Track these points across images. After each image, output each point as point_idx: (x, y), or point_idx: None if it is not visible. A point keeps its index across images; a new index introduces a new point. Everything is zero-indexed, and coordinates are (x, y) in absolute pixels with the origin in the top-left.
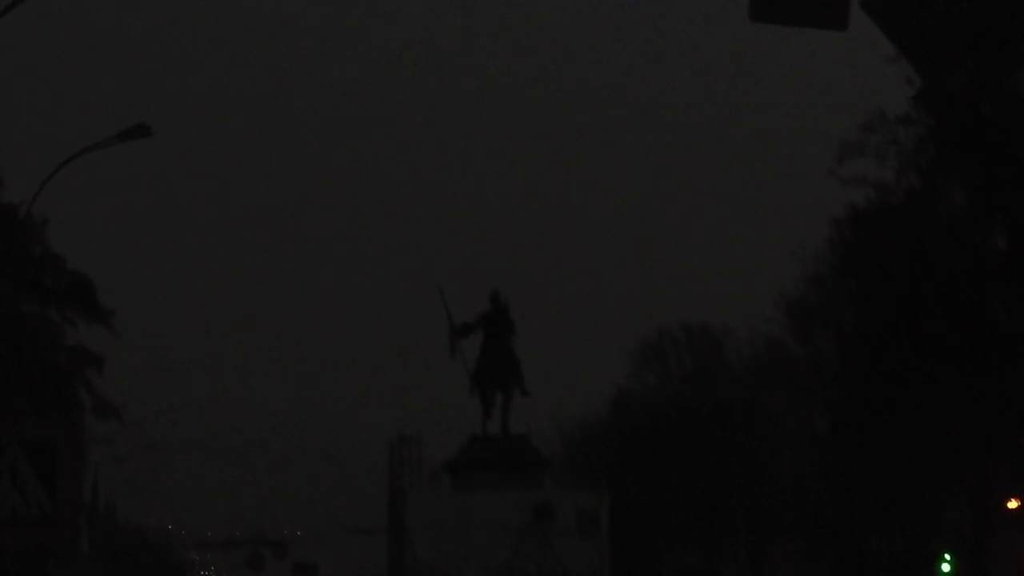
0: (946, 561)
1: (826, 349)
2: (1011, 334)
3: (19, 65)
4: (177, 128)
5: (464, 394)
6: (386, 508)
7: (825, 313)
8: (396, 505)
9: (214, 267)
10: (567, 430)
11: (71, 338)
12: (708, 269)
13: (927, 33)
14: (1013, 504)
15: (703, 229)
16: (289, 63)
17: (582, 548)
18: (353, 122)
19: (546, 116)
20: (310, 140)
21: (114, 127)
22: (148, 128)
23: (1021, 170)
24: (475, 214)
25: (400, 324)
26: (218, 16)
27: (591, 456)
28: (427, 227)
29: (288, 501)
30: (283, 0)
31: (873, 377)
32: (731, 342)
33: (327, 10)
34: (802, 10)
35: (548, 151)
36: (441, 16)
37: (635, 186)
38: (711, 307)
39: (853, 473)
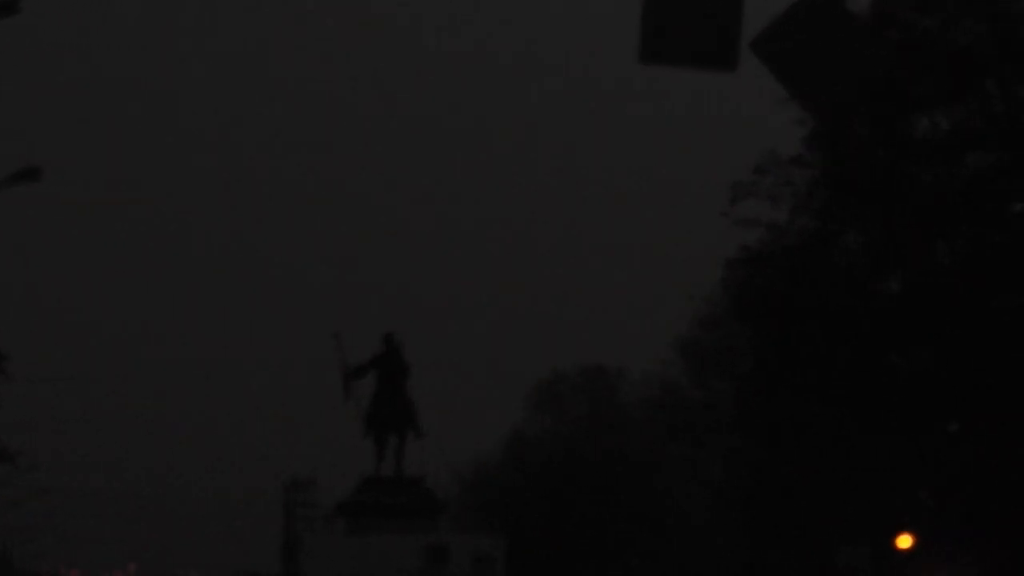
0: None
1: (721, 392)
2: (907, 380)
3: None
4: (69, 168)
5: (358, 436)
6: (280, 553)
7: (720, 356)
8: (290, 550)
9: (107, 311)
10: (462, 473)
11: None
12: (603, 310)
13: (818, 78)
14: (905, 542)
15: (597, 269)
16: (177, 101)
17: None
18: (243, 158)
19: (437, 151)
20: (206, 178)
21: (3, 169)
22: (38, 171)
23: (916, 215)
24: (368, 254)
25: (292, 366)
26: (106, 54)
27: (486, 499)
28: (319, 266)
29: (182, 546)
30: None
31: (768, 423)
32: (626, 384)
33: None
34: (691, 52)
35: (438, 189)
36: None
37: (528, 226)
38: (607, 349)
39: (749, 519)
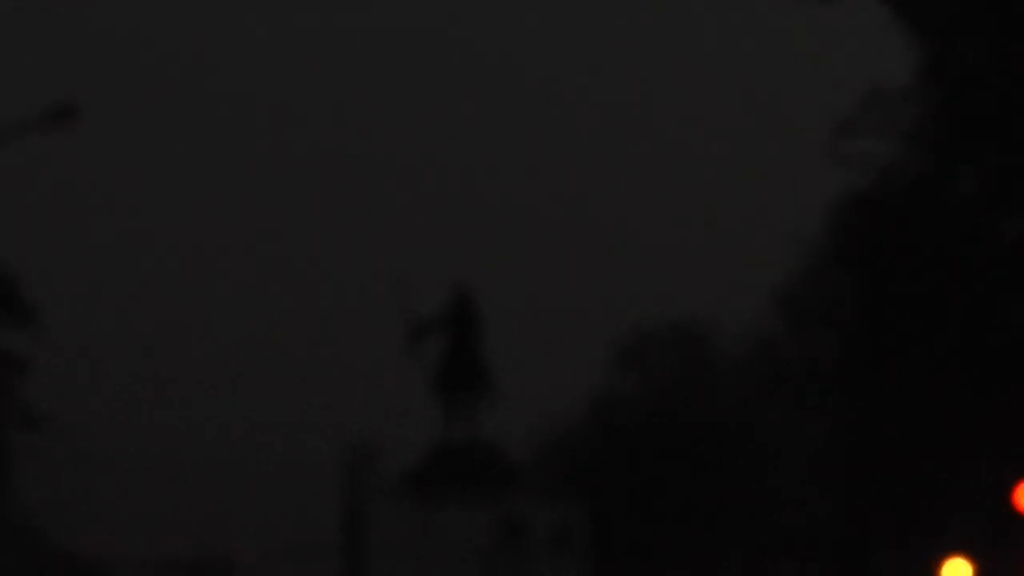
0: (959, 565)
1: (824, 347)
2: None
3: None
4: (108, 108)
5: (426, 398)
6: (340, 526)
7: (822, 309)
8: (351, 523)
9: (151, 263)
10: (540, 438)
11: None
12: (694, 260)
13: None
14: None
15: (688, 216)
16: (221, 40)
17: (559, 569)
18: (300, 100)
19: (515, 96)
20: (254, 127)
21: (37, 107)
22: (75, 109)
23: None
24: (437, 198)
25: (354, 321)
26: None
27: (567, 467)
28: (383, 211)
29: (235, 520)
30: None
31: (875, 381)
32: (720, 340)
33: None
34: None
35: (515, 131)
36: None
37: (612, 170)
38: (697, 302)
39: (853, 487)
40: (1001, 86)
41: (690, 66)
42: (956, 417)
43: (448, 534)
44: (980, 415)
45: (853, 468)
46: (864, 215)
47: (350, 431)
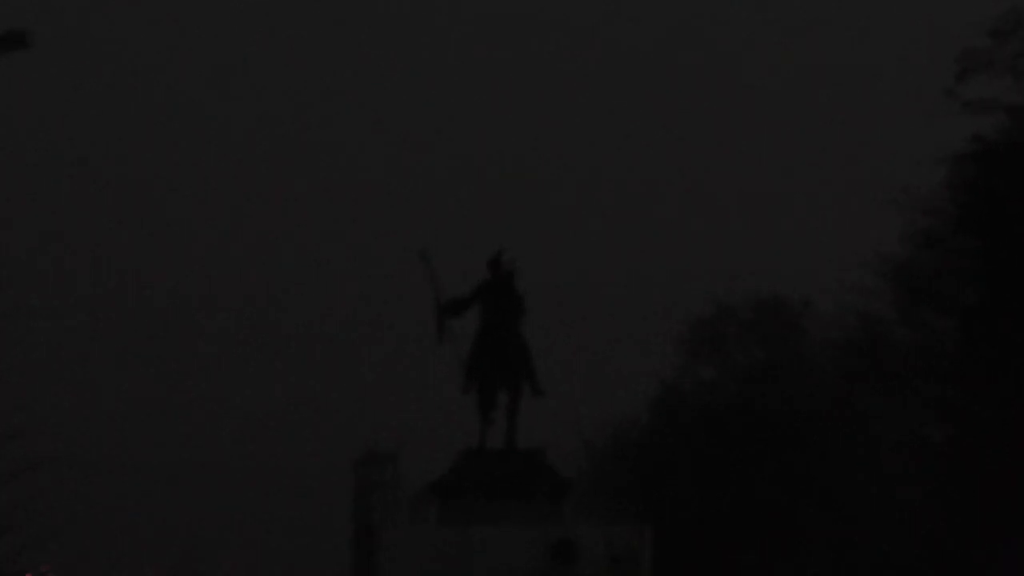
0: None
1: (941, 330)
2: None
3: None
4: (66, 39)
5: (456, 393)
6: (349, 547)
7: (940, 282)
8: (364, 544)
9: (122, 227)
10: (595, 441)
11: None
12: (783, 226)
13: None
14: None
15: (776, 172)
16: None
17: None
18: (319, 51)
19: (576, 42)
20: (248, 70)
21: None
22: (24, 36)
23: None
24: (474, 156)
25: (371, 300)
26: None
27: (627, 477)
28: (408, 171)
29: (223, 539)
30: None
31: (1001, 370)
32: (814, 322)
33: None
34: None
35: (574, 81)
36: None
37: (686, 120)
38: (787, 276)
39: (975, 499)
40: None
41: (785, 4)
42: None
43: (481, 558)
44: None
45: (973, 474)
46: (992, 169)
47: (362, 436)
